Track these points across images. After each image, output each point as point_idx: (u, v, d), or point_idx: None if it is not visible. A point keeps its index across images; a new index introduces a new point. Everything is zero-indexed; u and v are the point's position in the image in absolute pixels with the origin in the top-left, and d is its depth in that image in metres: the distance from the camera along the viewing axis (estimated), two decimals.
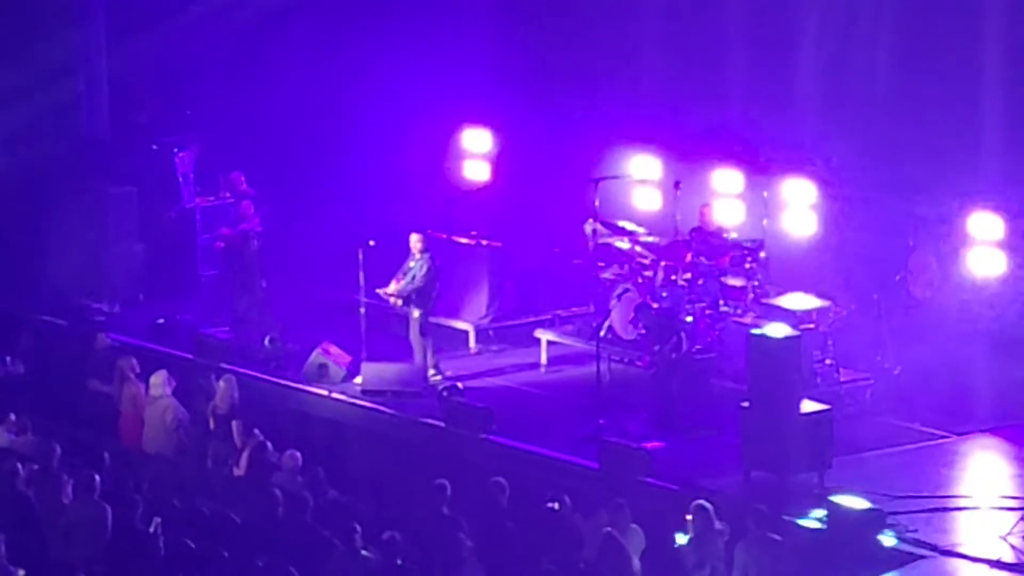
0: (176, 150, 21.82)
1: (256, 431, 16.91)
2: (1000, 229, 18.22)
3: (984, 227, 18.30)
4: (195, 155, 21.76)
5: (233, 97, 22.35)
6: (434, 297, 18.88)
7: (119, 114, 22.29)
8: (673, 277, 18.89)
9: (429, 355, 18.87)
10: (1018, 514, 15.45)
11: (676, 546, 14.68)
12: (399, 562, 14.29)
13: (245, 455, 16.78)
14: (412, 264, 18.80)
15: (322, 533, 14.81)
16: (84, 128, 21.98)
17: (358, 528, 14.44)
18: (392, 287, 18.77)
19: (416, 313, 18.75)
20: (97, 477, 15.13)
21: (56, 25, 21.70)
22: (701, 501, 14.78)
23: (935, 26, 18.73)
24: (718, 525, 14.67)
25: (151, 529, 14.69)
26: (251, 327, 19.71)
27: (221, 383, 17.45)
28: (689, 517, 14.61)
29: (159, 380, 17.67)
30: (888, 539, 15.07)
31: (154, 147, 22.06)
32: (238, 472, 16.68)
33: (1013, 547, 15.10)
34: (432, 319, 19.56)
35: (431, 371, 18.81)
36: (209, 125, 22.29)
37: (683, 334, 17.81)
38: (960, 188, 18.52)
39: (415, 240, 18.88)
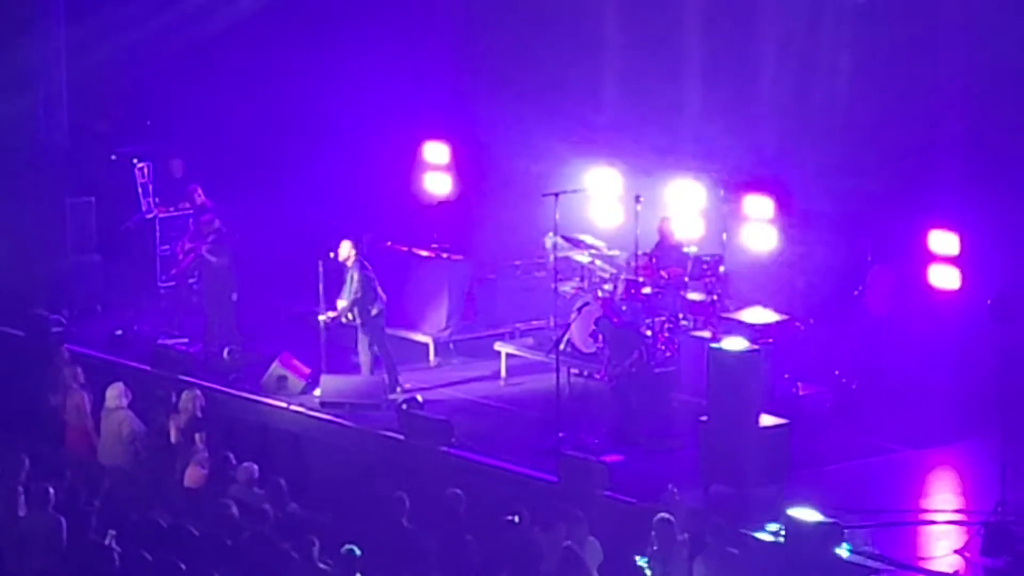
0: (135, 160, 21.75)
1: (202, 446, 16.86)
2: (956, 245, 18.34)
3: (941, 243, 18.42)
4: (182, 166, 21.60)
5: (194, 108, 22.29)
6: (376, 302, 18.69)
7: (78, 124, 22.21)
8: (633, 291, 18.93)
9: (387, 369, 18.79)
10: (974, 528, 15.54)
11: (638, 565, 14.69)
12: (358, 575, 14.26)
13: (192, 467, 16.70)
14: (347, 276, 18.72)
15: (279, 545, 14.76)
16: (42, 137, 21.89)
17: (316, 541, 14.39)
18: (339, 305, 18.70)
19: (359, 322, 18.66)
20: (51, 489, 15.05)
21: (15, 34, 21.61)
22: (664, 514, 14.80)
23: (894, 44, 18.84)
24: (681, 537, 14.70)
25: (106, 541, 14.61)
26: (219, 339, 19.66)
27: (184, 396, 17.39)
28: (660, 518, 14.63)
29: (115, 392, 17.60)
30: (845, 552, 15.13)
31: (113, 157, 21.97)
32: (188, 483, 16.61)
33: (969, 561, 15.18)
34: (392, 331, 19.55)
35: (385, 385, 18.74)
36: (169, 136, 22.22)
37: (643, 348, 17.85)
38: (918, 204, 18.63)
39: (345, 248, 18.58)
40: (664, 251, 19.27)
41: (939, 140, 18.60)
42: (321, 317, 18.75)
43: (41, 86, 21.84)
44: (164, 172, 21.69)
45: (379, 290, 18.77)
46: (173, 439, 17.23)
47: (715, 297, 18.85)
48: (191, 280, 20.95)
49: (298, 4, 22.21)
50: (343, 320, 18.74)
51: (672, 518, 14.74)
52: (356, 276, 18.61)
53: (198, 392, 17.47)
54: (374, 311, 18.71)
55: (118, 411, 17.55)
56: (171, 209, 21.76)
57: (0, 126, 21.55)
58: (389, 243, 20.46)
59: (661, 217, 19.51)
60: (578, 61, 20.88)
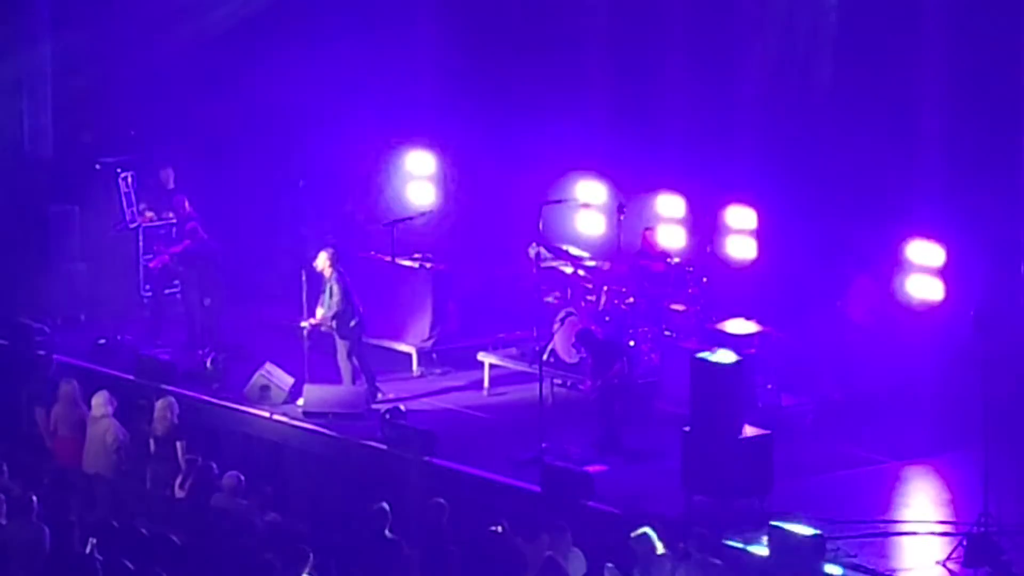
0: (119, 170, 21.73)
1: (191, 454, 16.85)
2: (938, 256, 18.39)
3: (922, 254, 18.47)
4: (173, 176, 21.53)
5: (178, 118, 22.26)
6: (356, 315, 18.71)
7: (62, 133, 22.18)
8: (616, 301, 18.95)
9: (365, 378, 18.78)
10: (956, 539, 15.57)
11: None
12: None
13: (185, 477, 16.69)
14: (326, 286, 18.73)
15: (262, 555, 14.74)
16: (26, 146, 21.86)
17: (310, 553, 14.35)
18: (319, 312, 18.71)
19: (338, 333, 18.67)
20: (34, 498, 15.02)
21: (0, 44, 21.59)
22: (644, 528, 14.81)
23: (874, 55, 18.89)
24: (662, 550, 14.71)
25: (87, 550, 14.58)
26: (202, 346, 19.68)
27: (159, 404, 17.38)
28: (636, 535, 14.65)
29: (101, 400, 17.57)
30: (827, 563, 15.14)
31: (97, 166, 21.95)
32: (179, 493, 16.59)
33: (951, 572, 15.22)
34: (374, 341, 19.59)
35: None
36: (153, 146, 22.19)
37: (625, 359, 17.85)
38: (899, 215, 18.68)
39: (322, 259, 18.63)
40: (648, 261, 19.28)
41: (921, 150, 18.65)
42: (304, 324, 18.73)
43: (25, 94, 21.82)
44: (155, 181, 21.64)
45: (355, 300, 18.79)
46: (152, 448, 17.20)
47: (698, 308, 18.87)
48: (171, 290, 20.93)
49: (284, 13, 22.22)
50: (323, 328, 18.75)
51: (652, 532, 14.73)
52: (336, 288, 18.62)
53: (172, 400, 17.45)
54: (352, 323, 18.72)
55: (103, 419, 17.52)
56: (155, 218, 21.73)
57: None
58: (373, 252, 20.47)
59: (645, 227, 19.53)
60: (562, 71, 20.91)
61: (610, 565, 14.68)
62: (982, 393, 15.58)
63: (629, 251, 19.35)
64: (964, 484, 16.60)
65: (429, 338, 20.01)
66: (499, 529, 15.12)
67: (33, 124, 21.86)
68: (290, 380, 18.92)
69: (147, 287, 21.57)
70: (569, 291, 19.43)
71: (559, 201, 19.89)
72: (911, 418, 17.75)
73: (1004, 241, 18.17)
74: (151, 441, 17.22)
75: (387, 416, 18.13)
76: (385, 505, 15.29)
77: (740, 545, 15.44)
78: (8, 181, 21.65)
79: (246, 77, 22.23)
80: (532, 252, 19.53)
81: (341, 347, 18.79)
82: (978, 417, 15.73)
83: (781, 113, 19.38)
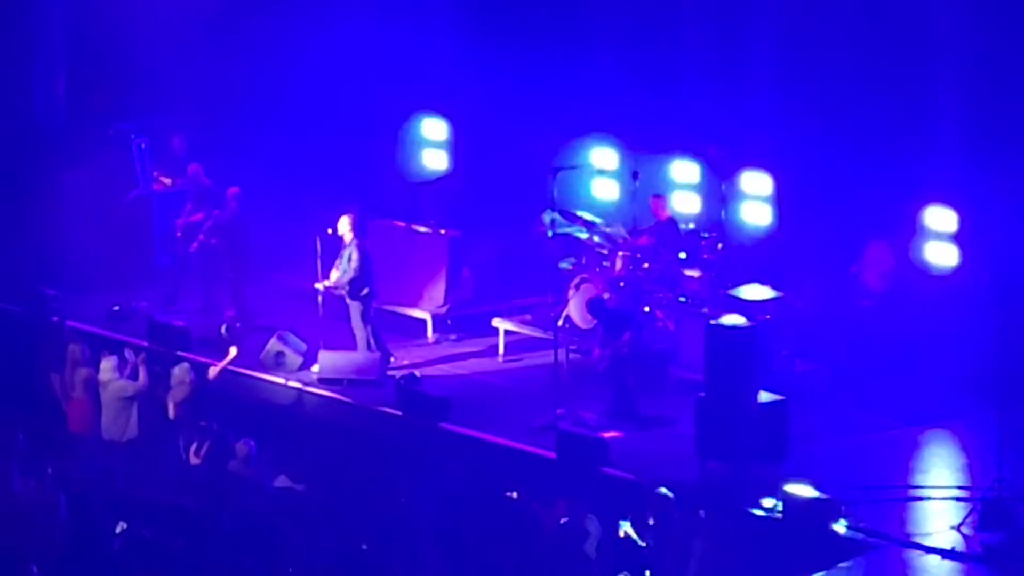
0: (133, 136, 21.71)
1: (206, 421, 16.89)
2: (953, 222, 18.36)
3: (938, 220, 18.43)
4: (185, 144, 21.51)
5: (192, 83, 22.24)
6: (371, 283, 18.75)
7: (75, 99, 22.16)
8: (631, 267, 18.93)
9: (374, 344, 18.80)
10: (969, 505, 15.58)
11: (623, 534, 14.70)
12: (364, 547, 14.27)
13: (200, 444, 16.74)
14: (345, 251, 18.75)
15: (277, 521, 14.79)
16: (40, 112, 21.85)
17: (325, 519, 14.39)
18: (333, 275, 18.73)
19: (353, 302, 18.70)
20: (49, 467, 15.08)
21: (12, 8, 21.56)
22: (663, 489, 14.84)
23: (891, 22, 18.82)
24: (678, 514, 14.74)
25: (117, 531, 14.59)
26: (220, 313, 19.71)
27: (176, 371, 17.40)
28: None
29: (109, 364, 17.58)
30: (842, 528, 15.17)
31: (110, 132, 21.93)
32: (195, 460, 16.64)
33: (964, 537, 15.24)
34: (389, 308, 19.61)
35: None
36: (167, 111, 22.17)
37: (634, 328, 17.79)
38: (915, 181, 18.64)
39: (343, 224, 18.67)
40: (662, 228, 19.25)
41: (938, 116, 18.59)
42: (318, 285, 18.76)
43: (39, 60, 21.78)
44: (166, 149, 21.64)
45: (372, 268, 18.80)
46: (171, 415, 17.24)
47: (713, 274, 18.85)
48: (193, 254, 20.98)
49: None
50: (335, 291, 18.75)
51: (671, 494, 14.77)
52: (355, 255, 18.64)
53: (188, 365, 17.47)
54: (365, 290, 18.74)
55: (113, 382, 17.54)
56: (172, 185, 21.70)
57: None
58: (389, 220, 20.44)
59: (656, 194, 19.48)
60: (576, 36, 20.85)
61: (623, 522, 14.69)
62: (997, 359, 15.56)
63: (644, 217, 19.30)
64: (979, 449, 16.60)
65: (444, 304, 20.01)
66: (514, 495, 15.15)
67: (46, 89, 21.83)
68: (305, 346, 18.94)
69: (162, 253, 21.55)
70: (584, 257, 19.41)
71: (573, 167, 19.85)
72: (925, 384, 17.73)
73: (1019, 207, 18.10)
74: (172, 407, 17.23)
75: (402, 382, 18.15)
76: (400, 471, 15.31)
77: (754, 510, 15.45)
78: (21, 147, 21.63)
79: (260, 43, 22.19)
80: (547, 218, 19.50)
81: (355, 312, 18.80)
82: (993, 382, 15.71)
83: (797, 79, 19.32)
